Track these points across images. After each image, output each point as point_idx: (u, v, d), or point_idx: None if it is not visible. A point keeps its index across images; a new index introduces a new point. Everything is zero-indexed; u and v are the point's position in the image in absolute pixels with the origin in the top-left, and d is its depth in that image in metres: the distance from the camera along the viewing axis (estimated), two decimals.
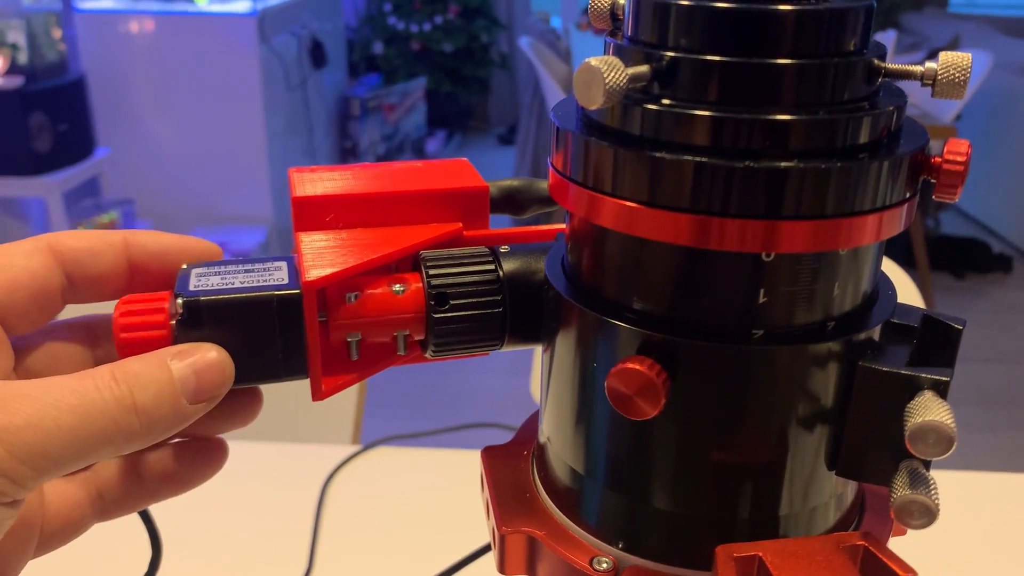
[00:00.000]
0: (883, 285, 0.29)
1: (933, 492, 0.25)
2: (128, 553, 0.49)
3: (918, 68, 0.26)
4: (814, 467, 0.28)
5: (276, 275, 0.30)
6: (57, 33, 2.47)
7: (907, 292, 1.04)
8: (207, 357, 0.29)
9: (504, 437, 0.36)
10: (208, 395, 0.28)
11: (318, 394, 0.31)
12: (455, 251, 0.32)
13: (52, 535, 0.31)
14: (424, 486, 0.77)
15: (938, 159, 0.26)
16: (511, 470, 0.34)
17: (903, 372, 0.26)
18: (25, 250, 0.30)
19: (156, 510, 0.35)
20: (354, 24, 4.33)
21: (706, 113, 0.24)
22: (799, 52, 0.24)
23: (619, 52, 0.26)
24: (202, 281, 0.30)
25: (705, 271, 0.26)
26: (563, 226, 0.32)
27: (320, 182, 0.34)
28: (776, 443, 0.27)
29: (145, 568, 0.38)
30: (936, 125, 2.63)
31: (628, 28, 0.27)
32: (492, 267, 0.31)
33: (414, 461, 0.81)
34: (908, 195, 0.26)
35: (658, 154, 0.24)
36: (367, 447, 0.82)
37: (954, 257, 3.14)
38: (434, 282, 0.31)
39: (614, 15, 0.29)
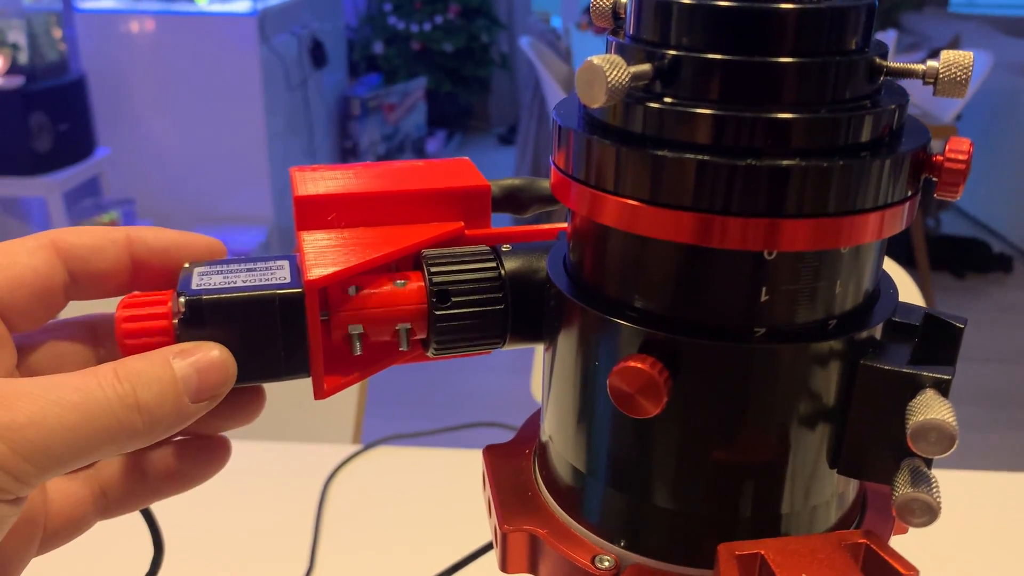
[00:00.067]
0: (884, 284, 0.29)
1: (935, 490, 0.25)
2: (130, 552, 0.49)
3: (920, 67, 0.26)
4: (816, 465, 0.28)
5: (278, 274, 0.30)
6: (57, 33, 2.47)
7: (908, 292, 1.04)
8: (209, 356, 0.29)
9: (505, 436, 0.36)
10: (210, 394, 0.29)
11: (320, 393, 0.31)
12: (457, 250, 0.32)
13: (55, 533, 0.31)
14: (425, 485, 0.77)
15: (940, 157, 0.26)
16: (513, 469, 0.34)
17: (905, 370, 0.26)
18: (28, 247, 0.30)
19: (158, 509, 0.35)
20: (354, 24, 4.33)
21: (708, 111, 0.24)
22: (801, 51, 0.24)
23: (621, 51, 0.26)
24: (204, 280, 0.30)
25: (707, 269, 0.26)
26: (564, 225, 0.32)
27: (322, 181, 0.34)
28: (778, 441, 0.27)
29: (147, 566, 0.38)
30: (936, 125, 2.63)
31: (630, 27, 0.27)
32: (494, 265, 0.32)
33: (415, 460, 0.81)
34: (910, 193, 0.26)
35: (660, 152, 0.24)
36: (368, 446, 0.82)
37: (954, 257, 3.14)
38: (436, 279, 0.31)
39: (616, 14, 0.29)
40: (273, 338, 0.30)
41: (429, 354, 0.32)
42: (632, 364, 0.25)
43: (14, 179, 2.38)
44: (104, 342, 0.32)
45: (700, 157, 0.24)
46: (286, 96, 2.99)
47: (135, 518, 0.35)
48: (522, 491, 0.33)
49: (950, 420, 0.24)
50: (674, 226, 0.25)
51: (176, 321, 0.29)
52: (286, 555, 0.69)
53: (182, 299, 0.29)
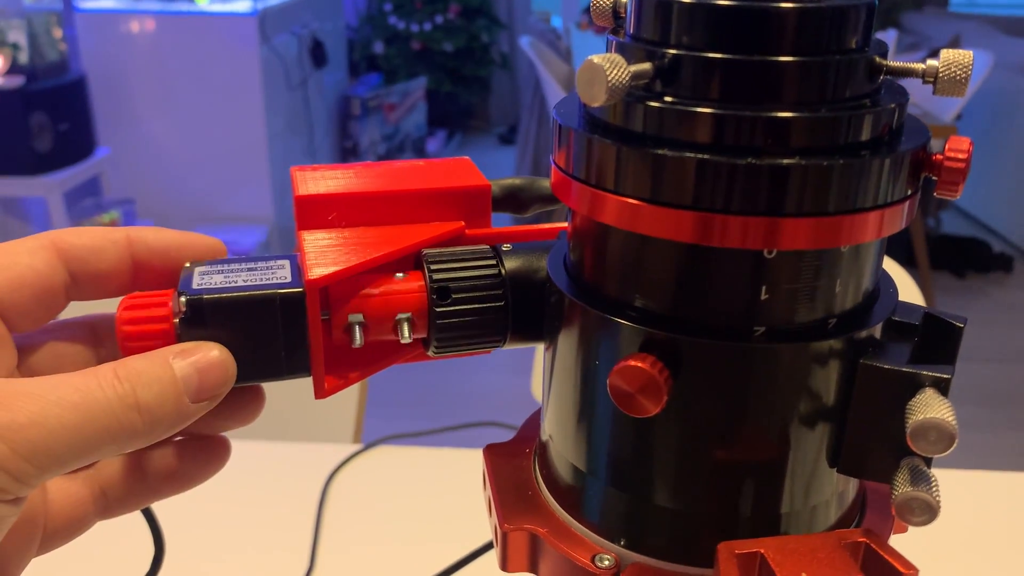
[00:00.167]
0: (884, 283, 0.29)
1: (934, 489, 0.25)
2: (130, 551, 0.49)
3: (920, 65, 0.26)
4: (816, 464, 0.28)
5: (279, 273, 0.30)
6: (58, 33, 2.48)
7: (908, 291, 1.04)
8: (210, 356, 0.29)
9: (505, 436, 0.36)
10: (210, 394, 0.29)
11: (320, 392, 0.31)
12: (457, 249, 0.32)
13: (55, 533, 0.31)
14: (425, 485, 0.77)
15: (940, 156, 0.26)
16: (513, 468, 0.34)
17: (904, 370, 0.26)
18: (28, 247, 0.30)
19: (158, 508, 0.35)
20: (354, 24, 4.33)
21: (708, 110, 0.24)
22: (801, 49, 0.24)
23: (621, 50, 0.26)
24: (205, 280, 0.30)
25: (707, 268, 0.26)
26: (565, 224, 0.32)
27: (323, 181, 0.34)
28: (778, 440, 0.27)
29: (147, 566, 0.38)
30: (936, 124, 2.63)
31: (630, 26, 0.27)
32: (494, 264, 0.32)
33: (415, 460, 0.81)
34: (910, 192, 0.26)
35: (660, 151, 0.24)
36: (368, 446, 0.82)
37: (955, 257, 3.14)
38: (436, 277, 0.31)
39: (616, 13, 0.29)
40: (274, 338, 0.30)
41: (429, 353, 0.32)
42: (632, 363, 0.25)
43: (14, 179, 2.38)
44: (104, 342, 0.32)
45: (700, 156, 0.24)
46: (286, 96, 2.99)
47: (135, 518, 0.35)
48: (522, 490, 0.33)
49: (950, 419, 0.24)
50: (674, 225, 0.25)
51: (177, 321, 0.29)
52: (286, 554, 0.69)
53: (183, 299, 0.29)
